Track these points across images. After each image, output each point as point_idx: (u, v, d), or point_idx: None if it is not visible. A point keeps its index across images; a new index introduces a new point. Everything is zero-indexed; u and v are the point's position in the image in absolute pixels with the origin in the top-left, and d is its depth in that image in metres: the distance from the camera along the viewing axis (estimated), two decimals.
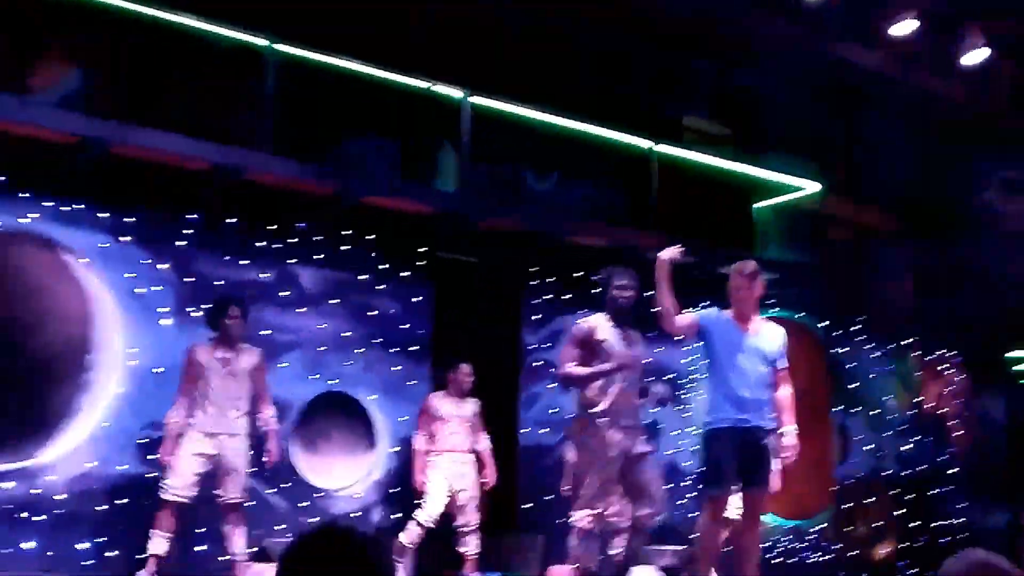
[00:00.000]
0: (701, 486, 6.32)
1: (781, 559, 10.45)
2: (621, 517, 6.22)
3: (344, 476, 8.37)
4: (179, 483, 6.66)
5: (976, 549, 2.37)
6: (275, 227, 8.26)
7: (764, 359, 6.11)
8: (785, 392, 6.21)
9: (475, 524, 7.90)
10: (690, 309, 6.18)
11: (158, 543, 6.63)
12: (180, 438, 6.74)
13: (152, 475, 7.09)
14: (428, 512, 7.75)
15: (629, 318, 6.30)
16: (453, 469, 7.87)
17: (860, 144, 12.17)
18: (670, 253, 6.07)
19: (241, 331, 7.01)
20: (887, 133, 12.18)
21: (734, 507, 7.03)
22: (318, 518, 8.01)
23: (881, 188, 12.16)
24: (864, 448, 11.52)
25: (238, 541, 6.86)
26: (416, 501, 7.88)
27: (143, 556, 6.64)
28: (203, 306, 7.32)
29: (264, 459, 7.06)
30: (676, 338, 6.55)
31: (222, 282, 7.94)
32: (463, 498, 7.85)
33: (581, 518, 6.03)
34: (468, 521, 7.89)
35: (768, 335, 6.17)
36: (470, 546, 7.89)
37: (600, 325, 6.29)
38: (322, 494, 8.22)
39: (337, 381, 8.40)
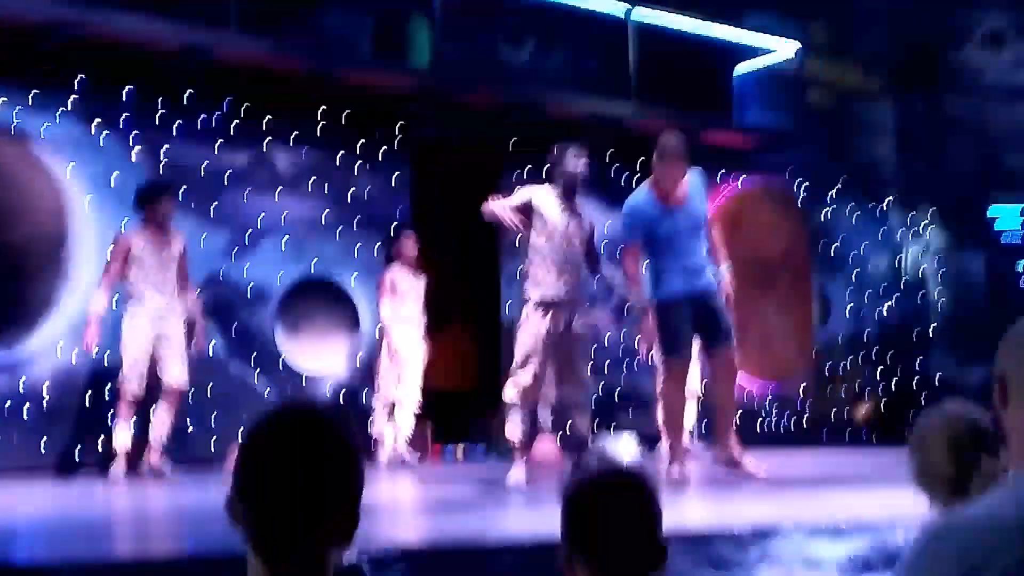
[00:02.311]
0: (660, 355, 6.30)
1: (762, 420, 10.63)
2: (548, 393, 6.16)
3: (329, 358, 8.41)
4: (134, 375, 6.72)
5: (953, 400, 2.40)
6: (248, 107, 8.12)
7: (695, 223, 6.15)
8: (714, 235, 6.30)
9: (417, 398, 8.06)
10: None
11: (122, 436, 6.71)
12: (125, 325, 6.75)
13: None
14: (386, 394, 7.90)
15: (575, 194, 6.13)
16: (408, 343, 7.97)
17: (840, 1, 11.95)
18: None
19: (170, 218, 7.01)
20: None
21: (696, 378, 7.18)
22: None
23: (862, 47, 11.98)
24: (845, 309, 11.62)
25: (162, 428, 6.85)
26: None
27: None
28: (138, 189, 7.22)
29: (193, 345, 7.06)
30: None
31: (196, 168, 7.85)
32: (413, 371, 8.00)
33: (505, 392, 5.98)
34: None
35: (692, 195, 6.17)
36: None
37: (544, 197, 6.10)
38: (306, 377, 8.27)
39: (317, 260, 8.37)
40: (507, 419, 5.98)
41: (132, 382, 6.74)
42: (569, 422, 6.14)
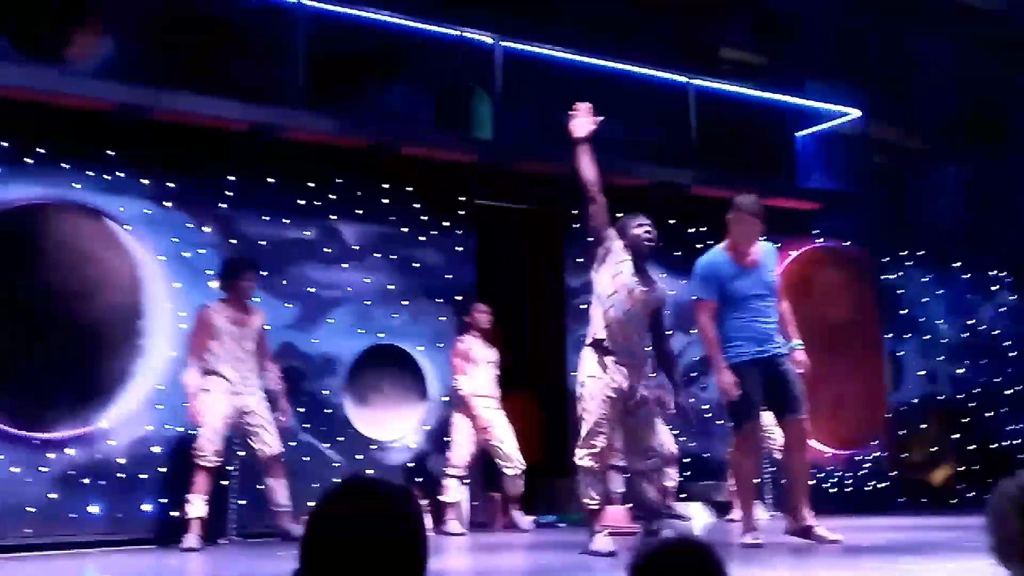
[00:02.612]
0: (730, 422, 6.30)
1: (837, 488, 10.45)
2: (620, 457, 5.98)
3: (397, 427, 8.46)
4: (209, 447, 6.83)
5: None
6: (314, 183, 8.30)
7: (767, 288, 6.15)
8: (784, 307, 6.25)
9: (519, 464, 8.06)
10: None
11: (198, 506, 6.79)
12: (203, 397, 6.88)
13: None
14: (456, 460, 7.91)
15: (644, 262, 5.95)
16: (485, 414, 8.00)
17: (901, 65, 11.94)
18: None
19: (251, 293, 7.20)
20: (928, 52, 11.94)
21: (778, 440, 7.05)
22: (373, 470, 8.12)
23: (925, 109, 11.94)
24: (917, 373, 11.44)
25: (281, 492, 7.04)
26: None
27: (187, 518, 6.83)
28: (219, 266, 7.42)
29: (278, 417, 7.18)
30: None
31: (265, 242, 8.02)
32: (499, 438, 8.01)
33: (579, 456, 5.76)
34: (511, 461, 8.06)
35: (765, 261, 6.19)
36: (516, 486, 8.08)
37: (624, 252, 5.89)
38: (376, 446, 8.32)
39: (384, 335, 8.47)
40: (581, 484, 5.89)
41: (208, 454, 6.84)
42: (638, 490, 6.03)
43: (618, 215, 5.99)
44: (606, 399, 5.69)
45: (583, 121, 5.86)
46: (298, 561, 1.52)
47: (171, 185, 7.73)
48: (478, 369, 8.12)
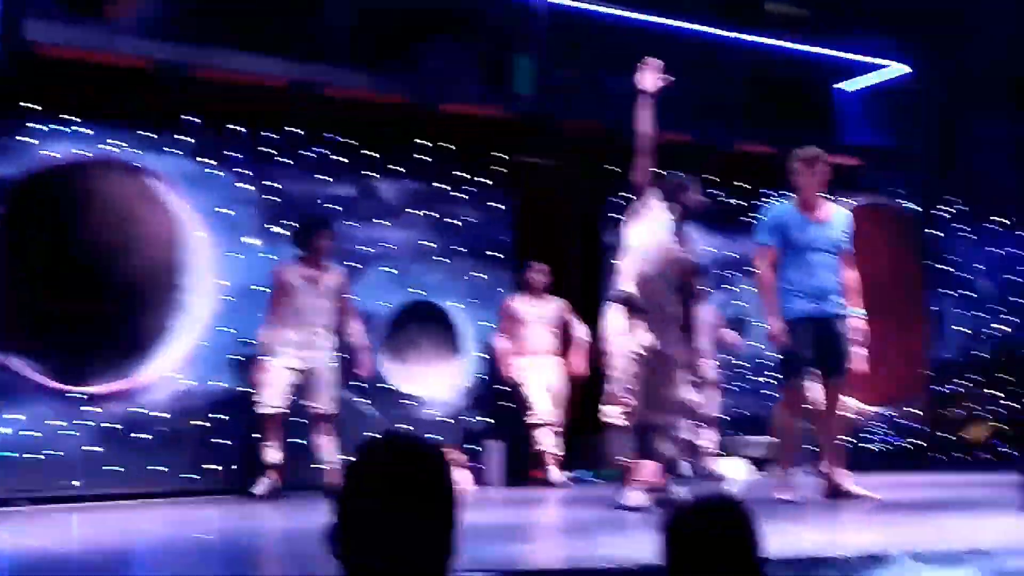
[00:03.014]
0: (780, 377, 6.33)
1: (875, 445, 10.41)
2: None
3: (433, 383, 8.52)
4: (273, 396, 6.93)
5: None
6: (354, 140, 8.31)
7: (832, 246, 6.12)
8: (850, 276, 6.22)
9: (558, 424, 8.11)
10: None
11: (272, 453, 6.94)
12: (272, 354, 6.99)
13: (248, 391, 7.32)
14: (539, 411, 7.97)
15: (686, 223, 6.00)
16: (540, 372, 8.06)
17: (951, 18, 11.70)
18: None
19: (328, 252, 7.24)
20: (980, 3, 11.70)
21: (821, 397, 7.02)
22: (409, 426, 8.19)
23: (972, 62, 11.71)
24: (958, 331, 11.33)
25: (329, 449, 7.14)
26: (504, 404, 8.11)
27: (259, 467, 7.01)
28: (291, 225, 7.51)
29: (357, 372, 7.38)
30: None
31: (307, 199, 8.06)
32: (550, 398, 8.08)
33: (607, 413, 5.83)
34: (553, 421, 8.13)
35: (835, 221, 6.17)
36: (553, 445, 8.12)
37: (660, 211, 5.92)
38: (413, 402, 8.38)
39: (422, 291, 8.50)
40: (611, 441, 5.93)
41: (273, 403, 6.99)
42: (653, 446, 6.00)
43: (660, 172, 5.97)
44: (633, 356, 5.69)
45: (652, 76, 5.86)
46: (333, 515, 1.55)
47: (210, 142, 7.77)
48: (528, 328, 8.18)
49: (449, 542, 1.54)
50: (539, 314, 8.26)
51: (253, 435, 7.30)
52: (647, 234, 5.78)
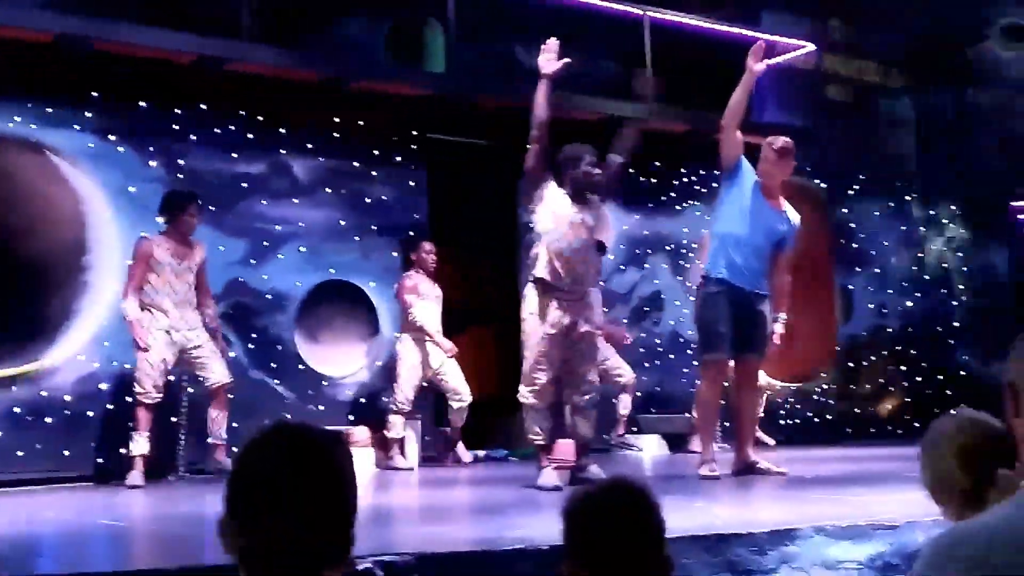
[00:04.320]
0: (698, 351, 6.37)
1: (787, 420, 10.57)
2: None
3: (348, 363, 8.43)
4: (148, 382, 6.79)
5: (965, 408, 2.38)
6: (263, 118, 8.15)
7: (774, 235, 6.16)
8: (785, 280, 6.28)
9: (466, 396, 8.07)
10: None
11: (140, 443, 6.76)
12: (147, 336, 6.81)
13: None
14: (402, 397, 7.90)
15: (587, 197, 5.87)
16: (428, 348, 7.99)
17: None
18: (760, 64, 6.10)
19: (194, 228, 7.08)
20: None
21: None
22: (324, 406, 8.11)
23: (880, 42, 11.91)
24: (868, 306, 11.55)
25: (220, 424, 7.02)
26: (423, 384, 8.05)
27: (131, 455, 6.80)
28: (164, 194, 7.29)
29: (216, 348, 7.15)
30: (724, 156, 6.22)
31: (213, 177, 7.90)
32: (446, 373, 8.01)
33: (522, 393, 5.82)
34: (459, 394, 8.04)
35: (787, 215, 6.22)
36: (461, 419, 8.11)
37: (555, 192, 5.85)
38: (327, 382, 8.29)
39: (334, 271, 8.40)
40: (526, 420, 5.93)
41: (147, 391, 6.79)
42: (570, 424, 6.00)
43: (556, 149, 5.95)
44: (546, 337, 5.68)
45: (551, 58, 5.82)
46: (224, 506, 1.49)
47: (116, 119, 7.57)
48: (426, 305, 8.08)
49: (345, 531, 1.49)
50: (434, 293, 8.18)
51: (171, 419, 7.18)
52: (551, 216, 5.77)
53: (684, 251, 10.21)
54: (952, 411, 2.34)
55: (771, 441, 9.25)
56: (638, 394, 9.35)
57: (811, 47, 10.79)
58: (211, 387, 7.03)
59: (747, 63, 6.19)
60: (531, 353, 5.75)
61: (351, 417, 8.22)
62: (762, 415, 9.36)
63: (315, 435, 1.51)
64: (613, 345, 8.83)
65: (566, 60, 5.83)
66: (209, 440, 7.04)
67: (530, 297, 5.82)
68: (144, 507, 6.11)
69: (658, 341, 9.98)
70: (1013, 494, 1.72)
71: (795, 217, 6.34)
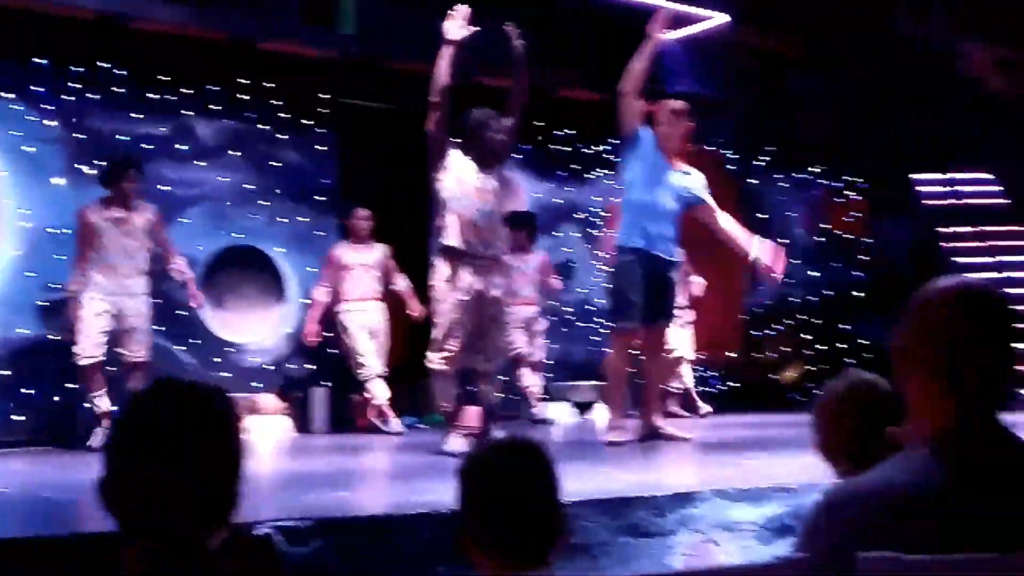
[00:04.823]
0: (609, 319, 6.41)
1: (694, 388, 10.70)
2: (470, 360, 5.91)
3: (254, 329, 8.32)
4: (89, 345, 6.66)
5: (857, 370, 2.42)
6: (168, 77, 7.96)
7: (681, 197, 6.20)
8: (726, 218, 6.33)
9: (382, 371, 7.98)
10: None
11: (101, 402, 6.70)
12: (82, 301, 6.69)
13: (56, 338, 7.00)
14: (370, 364, 7.80)
15: (494, 162, 5.83)
16: (364, 317, 7.91)
17: None
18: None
19: (135, 193, 6.92)
20: None
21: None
22: (230, 373, 7.99)
23: (790, 16, 12.04)
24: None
25: None
26: (331, 351, 7.96)
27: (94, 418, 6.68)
28: (97, 163, 7.13)
29: (192, 304, 7.28)
30: (624, 124, 6.22)
31: (115, 137, 7.70)
32: (375, 345, 7.94)
33: (432, 359, 5.78)
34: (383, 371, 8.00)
35: (690, 176, 6.25)
36: (380, 392, 7.97)
37: (459, 157, 5.80)
38: (233, 348, 8.17)
39: (242, 235, 8.26)
40: (435, 387, 5.90)
41: (86, 352, 6.70)
42: (477, 390, 6.02)
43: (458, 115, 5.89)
44: (458, 303, 5.67)
45: (457, 25, 5.76)
46: (104, 468, 1.45)
47: (11, 76, 7.33)
48: (352, 274, 7.97)
49: (229, 493, 1.46)
50: (363, 260, 8.08)
51: (66, 384, 7.00)
52: (457, 183, 5.73)
53: (594, 220, 10.25)
54: (843, 373, 2.38)
55: (708, 408, 9.48)
56: (549, 362, 9.39)
57: (725, 17, 10.86)
58: (127, 362, 6.89)
59: (648, 31, 6.20)
60: (442, 319, 5.72)
61: (258, 384, 8.11)
62: (688, 387, 9.59)
63: (196, 390, 1.47)
64: (551, 294, 8.95)
65: (475, 28, 5.77)
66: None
67: (440, 266, 5.78)
68: (34, 475, 5.96)
69: (568, 309, 10.02)
70: (899, 451, 1.76)
71: (699, 175, 6.38)
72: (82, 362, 6.71)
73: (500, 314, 5.86)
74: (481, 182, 5.73)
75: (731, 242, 6.35)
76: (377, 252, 8.12)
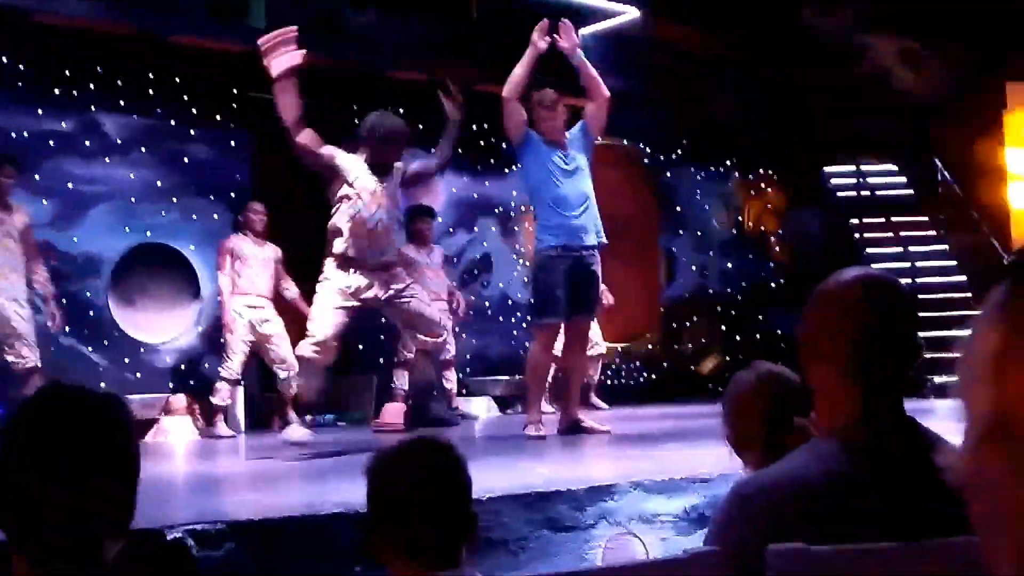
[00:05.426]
0: (532, 316, 6.40)
1: (611, 380, 10.77)
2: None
3: (167, 328, 8.16)
4: None
5: (764, 361, 2.44)
6: (72, 72, 7.76)
7: (582, 171, 6.21)
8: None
9: (293, 365, 7.81)
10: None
11: None
12: None
13: None
14: (231, 366, 7.62)
15: (390, 166, 5.71)
16: (255, 313, 7.67)
17: None
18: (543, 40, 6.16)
19: (11, 190, 6.65)
20: None
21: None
22: (140, 374, 7.84)
23: (704, 10, 12.16)
24: (690, 269, 11.86)
25: None
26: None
27: None
28: None
29: (48, 324, 6.77)
30: (510, 129, 6.22)
31: (16, 134, 7.48)
32: (274, 340, 7.68)
33: (304, 348, 5.58)
34: (285, 362, 7.72)
35: (573, 143, 6.26)
36: (290, 387, 7.82)
37: (354, 163, 5.66)
38: (144, 348, 8.00)
39: (151, 233, 8.08)
40: (301, 374, 5.79)
41: None
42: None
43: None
44: (341, 298, 5.53)
45: (281, 56, 5.55)
46: None
47: None
48: (248, 268, 7.75)
49: (124, 497, 1.40)
50: (259, 255, 7.83)
51: None
52: (348, 185, 5.60)
53: (513, 214, 10.25)
54: (751, 365, 2.39)
55: (604, 406, 9.37)
56: (467, 356, 9.37)
57: (636, 12, 10.93)
58: (18, 370, 6.58)
59: (532, 38, 6.22)
60: (321, 311, 5.58)
61: (171, 384, 7.96)
62: (598, 379, 9.56)
63: (86, 394, 1.42)
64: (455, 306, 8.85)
65: (302, 51, 5.63)
66: None
67: (327, 265, 5.65)
68: None
69: (487, 304, 10.01)
70: (807, 441, 1.77)
71: (575, 132, 6.37)
72: None
73: (412, 300, 5.72)
74: (376, 186, 5.61)
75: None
76: (270, 250, 7.90)
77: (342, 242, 5.56)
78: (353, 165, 5.62)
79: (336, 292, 5.55)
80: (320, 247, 8.79)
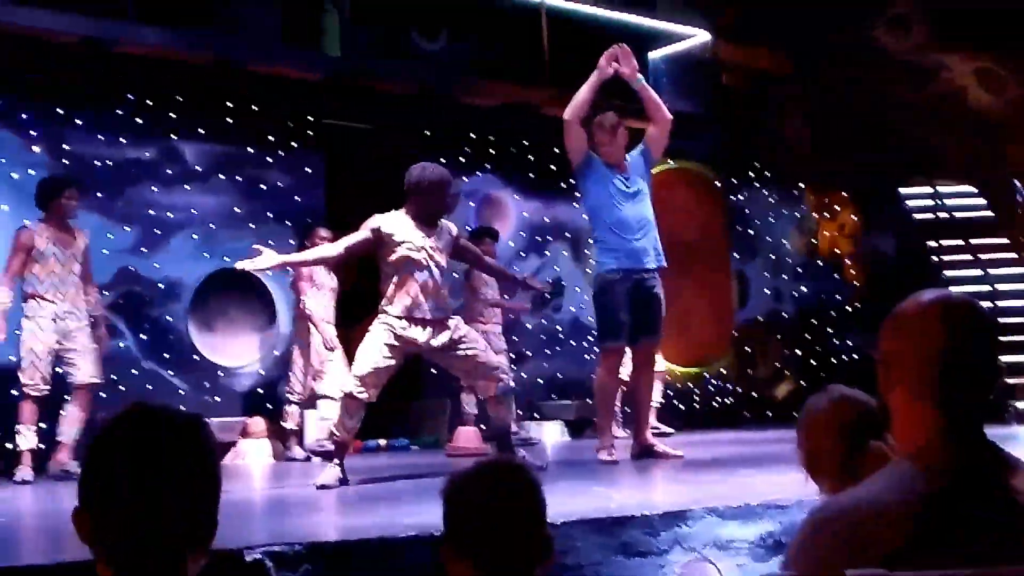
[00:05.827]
0: (597, 340, 6.41)
1: (685, 405, 10.70)
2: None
3: (245, 353, 8.29)
4: (35, 375, 6.53)
5: (838, 384, 2.41)
6: (153, 101, 7.96)
7: (643, 194, 6.21)
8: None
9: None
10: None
11: (28, 437, 6.51)
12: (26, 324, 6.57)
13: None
14: (296, 388, 7.70)
15: (437, 218, 5.59)
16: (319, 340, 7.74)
17: None
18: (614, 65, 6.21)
19: (74, 212, 6.79)
20: None
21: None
22: (219, 398, 7.97)
23: (772, 31, 12.10)
24: (763, 292, 11.76)
25: (72, 423, 6.65)
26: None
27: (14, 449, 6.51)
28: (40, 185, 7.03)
29: (94, 345, 6.82)
30: (571, 151, 6.24)
31: (100, 162, 7.68)
32: (329, 363, 7.78)
33: (348, 386, 5.48)
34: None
35: (634, 166, 6.26)
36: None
37: (396, 222, 5.52)
38: (223, 372, 8.14)
39: (230, 254, 8.22)
40: (340, 412, 5.64)
41: (34, 382, 6.55)
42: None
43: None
44: (386, 341, 5.44)
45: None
46: (78, 496, 1.43)
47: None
48: (321, 294, 7.87)
49: (206, 514, 1.44)
50: (329, 284, 7.94)
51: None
52: (397, 247, 5.43)
53: (584, 238, 10.26)
54: (825, 389, 2.37)
55: (670, 429, 9.28)
56: (539, 380, 9.38)
57: (707, 35, 10.91)
58: (76, 385, 6.69)
59: (599, 63, 6.24)
60: (370, 348, 5.42)
61: (248, 408, 8.08)
62: (662, 402, 9.46)
63: (170, 415, 1.45)
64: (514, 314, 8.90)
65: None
66: (58, 439, 6.63)
67: (376, 322, 5.49)
68: (31, 503, 5.92)
69: (559, 328, 10.01)
70: (883, 466, 1.75)
71: (635, 156, 6.36)
72: (26, 390, 6.49)
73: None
74: (427, 242, 5.49)
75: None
76: (334, 279, 7.97)
77: (400, 303, 5.49)
78: (398, 227, 5.51)
79: (388, 331, 5.45)
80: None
